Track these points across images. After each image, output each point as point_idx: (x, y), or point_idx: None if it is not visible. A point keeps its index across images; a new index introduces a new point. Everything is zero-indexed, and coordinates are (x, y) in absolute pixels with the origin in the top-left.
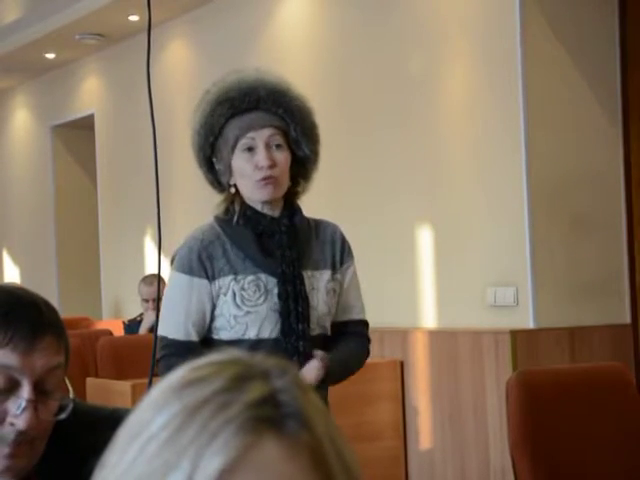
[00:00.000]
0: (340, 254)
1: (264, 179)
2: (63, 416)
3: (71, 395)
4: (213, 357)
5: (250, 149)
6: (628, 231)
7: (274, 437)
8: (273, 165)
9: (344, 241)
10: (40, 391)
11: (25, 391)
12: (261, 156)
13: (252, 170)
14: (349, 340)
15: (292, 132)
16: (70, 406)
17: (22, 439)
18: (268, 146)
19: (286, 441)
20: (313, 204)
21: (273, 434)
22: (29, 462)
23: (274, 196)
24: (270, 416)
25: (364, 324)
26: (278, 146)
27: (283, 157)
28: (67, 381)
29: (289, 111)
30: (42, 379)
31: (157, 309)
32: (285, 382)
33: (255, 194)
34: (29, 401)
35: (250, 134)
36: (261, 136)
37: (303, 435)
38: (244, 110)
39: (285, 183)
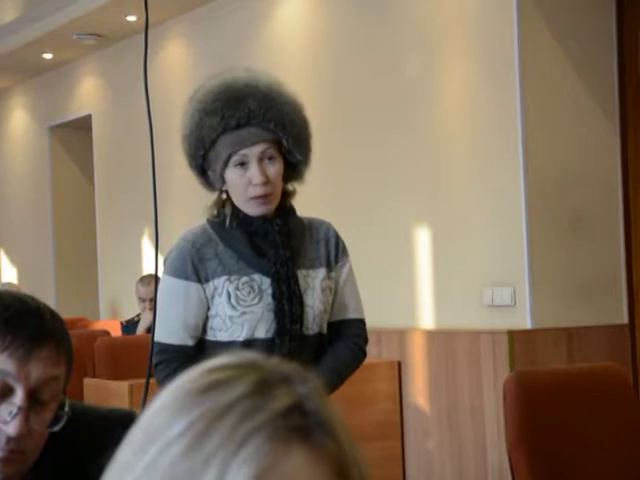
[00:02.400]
0: (335, 252)
1: (257, 197)
2: (56, 428)
3: (66, 408)
4: (227, 360)
5: (243, 164)
6: (625, 231)
7: (301, 447)
8: (266, 181)
9: (338, 239)
10: (34, 400)
11: (18, 398)
12: (254, 173)
13: (245, 186)
14: (337, 349)
15: (284, 142)
16: (64, 419)
17: (13, 446)
18: (261, 160)
19: (313, 450)
20: (311, 204)
21: (301, 444)
22: (19, 470)
23: (267, 212)
24: (299, 425)
25: (361, 322)
26: (270, 158)
27: (276, 170)
28: (65, 395)
29: (280, 124)
30: (37, 389)
31: (154, 309)
32: (308, 389)
33: (248, 210)
34: (20, 408)
35: (243, 151)
36: (254, 152)
37: (329, 444)
38: (235, 125)
39: (278, 195)
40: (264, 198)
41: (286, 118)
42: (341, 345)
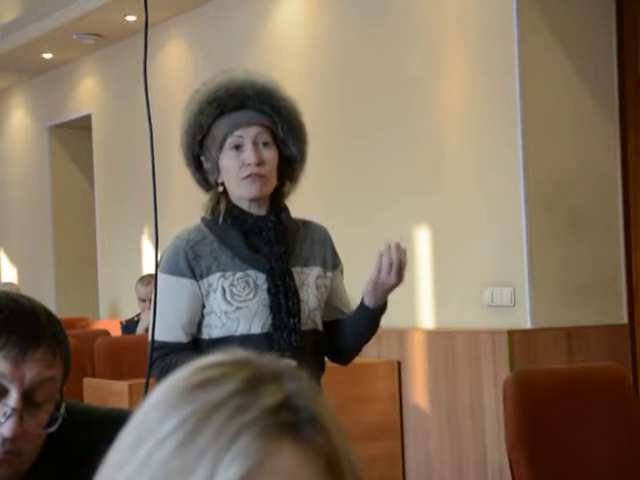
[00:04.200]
0: (332, 256)
1: (250, 175)
2: (52, 429)
3: (62, 410)
4: (219, 357)
5: (238, 147)
6: (625, 231)
7: (291, 442)
8: (260, 163)
9: (332, 243)
10: (29, 401)
11: (12, 399)
12: (248, 154)
13: (239, 167)
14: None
15: (279, 131)
16: (59, 420)
17: (9, 448)
18: (255, 144)
19: (302, 446)
20: (310, 204)
21: (290, 439)
22: (16, 472)
23: (262, 193)
24: (288, 421)
25: None
26: (265, 144)
27: (271, 155)
28: (61, 395)
29: (276, 109)
30: (32, 390)
31: (153, 310)
32: (298, 386)
33: (242, 191)
34: (14, 410)
35: (238, 132)
36: (249, 134)
37: (319, 440)
38: (232, 109)
39: (273, 181)
40: (257, 177)
41: (282, 107)
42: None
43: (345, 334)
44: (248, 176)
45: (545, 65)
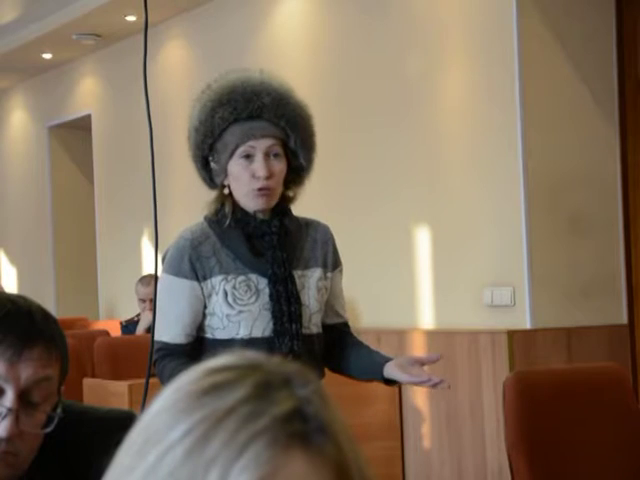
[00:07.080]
0: (332, 255)
1: (259, 190)
2: (48, 430)
3: (58, 410)
4: (227, 360)
5: (248, 156)
6: (625, 231)
7: (301, 452)
8: (270, 176)
9: (334, 243)
10: (25, 402)
11: (8, 399)
12: (259, 166)
13: (249, 178)
14: (357, 340)
15: (291, 143)
16: (55, 420)
17: (5, 448)
18: (267, 155)
19: (312, 454)
20: (311, 203)
21: (301, 449)
22: (14, 472)
23: (267, 207)
24: (299, 431)
25: (348, 324)
26: (276, 155)
27: (280, 167)
28: (60, 394)
29: (291, 122)
30: (28, 390)
31: (154, 308)
32: (309, 392)
33: (248, 202)
34: (10, 410)
35: (250, 142)
36: (261, 145)
37: (329, 448)
38: (247, 117)
39: (279, 193)
40: (265, 191)
41: (297, 118)
42: (356, 340)
43: (347, 359)
44: (256, 190)
45: (545, 65)
